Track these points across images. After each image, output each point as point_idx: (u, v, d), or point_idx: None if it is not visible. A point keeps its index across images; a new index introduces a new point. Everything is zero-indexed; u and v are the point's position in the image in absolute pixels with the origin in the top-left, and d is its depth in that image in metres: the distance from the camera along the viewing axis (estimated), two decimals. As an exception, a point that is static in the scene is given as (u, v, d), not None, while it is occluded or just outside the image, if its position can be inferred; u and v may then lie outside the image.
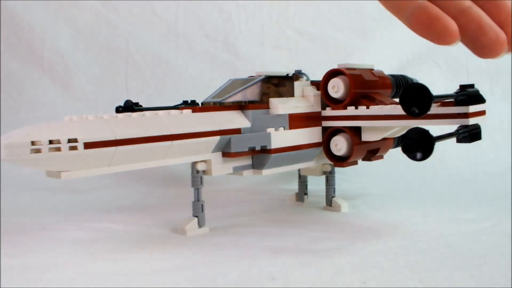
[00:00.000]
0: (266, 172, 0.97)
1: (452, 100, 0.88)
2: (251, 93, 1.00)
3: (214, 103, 0.98)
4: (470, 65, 1.77)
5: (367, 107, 0.97)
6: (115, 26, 1.85)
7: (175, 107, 1.10)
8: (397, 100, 1.02)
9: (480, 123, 0.95)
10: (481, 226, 0.97)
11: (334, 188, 1.16)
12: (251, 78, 1.06)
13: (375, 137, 0.98)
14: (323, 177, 1.18)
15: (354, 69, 1.02)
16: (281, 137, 0.96)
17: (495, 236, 0.90)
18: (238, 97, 0.98)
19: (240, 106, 0.97)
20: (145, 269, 0.77)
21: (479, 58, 0.50)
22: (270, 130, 0.96)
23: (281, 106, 0.97)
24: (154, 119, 0.84)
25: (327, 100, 1.02)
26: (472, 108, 0.86)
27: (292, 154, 0.99)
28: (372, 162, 1.06)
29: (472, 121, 0.86)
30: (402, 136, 0.99)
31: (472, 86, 0.90)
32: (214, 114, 0.93)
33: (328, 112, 1.03)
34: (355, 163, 1.03)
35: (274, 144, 0.95)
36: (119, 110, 1.09)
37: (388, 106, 0.94)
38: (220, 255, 0.83)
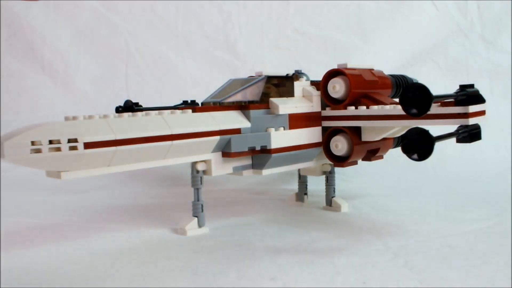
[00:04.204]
0: (266, 172, 0.97)
1: (452, 100, 0.88)
2: (251, 93, 1.00)
3: (214, 103, 0.98)
4: (470, 65, 1.77)
5: (367, 107, 0.97)
6: (115, 26, 1.85)
7: (175, 107, 1.10)
8: (397, 100, 1.02)
9: (480, 123, 0.95)
10: (481, 226, 0.97)
11: (334, 188, 1.16)
12: (251, 78, 1.06)
13: (375, 137, 0.98)
14: (323, 177, 1.18)
15: (354, 69, 1.02)
16: (281, 137, 0.96)
17: (495, 236, 0.90)
18: (238, 97, 0.98)
19: (240, 106, 0.97)
20: (145, 269, 0.77)
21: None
22: (270, 130, 0.96)
23: (281, 106, 0.97)
24: (154, 119, 0.84)
25: (327, 100, 1.03)
26: (472, 108, 0.86)
27: (292, 154, 0.99)
28: (372, 162, 1.06)
29: (472, 121, 0.86)
30: (402, 136, 0.99)
31: (472, 86, 0.90)
32: (214, 114, 0.93)
33: (328, 112, 1.03)
34: (355, 163, 1.03)
35: (274, 144, 0.95)
36: (119, 110, 1.09)
37: (388, 106, 0.94)
38: (220, 255, 0.83)
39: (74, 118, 0.76)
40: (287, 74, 1.07)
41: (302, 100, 1.03)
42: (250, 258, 0.81)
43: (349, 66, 1.02)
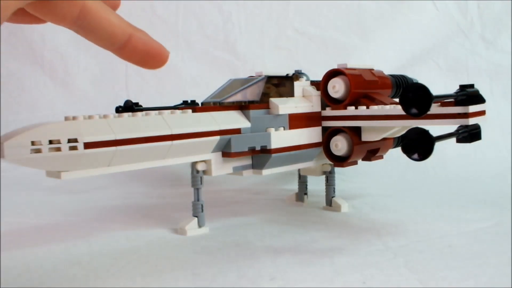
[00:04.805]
0: (266, 172, 0.97)
1: (452, 100, 0.88)
2: (251, 93, 1.00)
3: (214, 103, 0.98)
4: (470, 65, 1.77)
5: (367, 107, 0.97)
6: (115, 26, 1.85)
7: (175, 107, 1.10)
8: (397, 100, 1.02)
9: (480, 123, 0.95)
10: (481, 226, 0.97)
11: (334, 188, 1.16)
12: (251, 78, 1.06)
13: (375, 137, 0.98)
14: (323, 177, 1.18)
15: (354, 69, 1.02)
16: (281, 137, 0.96)
17: (495, 236, 0.90)
18: (238, 97, 0.98)
19: (240, 106, 0.97)
20: (145, 269, 0.77)
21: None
22: (270, 130, 0.96)
23: (281, 106, 0.97)
24: (154, 119, 0.84)
25: (327, 100, 1.03)
26: (472, 108, 0.86)
27: (292, 154, 0.99)
28: (372, 162, 1.06)
29: (472, 121, 0.86)
30: (402, 136, 0.99)
31: (472, 86, 0.90)
32: (214, 114, 0.93)
33: (328, 112, 1.03)
34: (355, 163, 1.03)
35: (274, 144, 0.95)
36: (119, 110, 1.09)
37: (388, 106, 0.94)
38: (220, 255, 0.83)
39: (74, 118, 0.76)
40: (287, 74, 1.07)
41: (302, 100, 1.03)
42: (250, 258, 0.81)
43: (349, 66, 1.02)
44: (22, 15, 0.53)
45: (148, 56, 0.55)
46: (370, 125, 0.96)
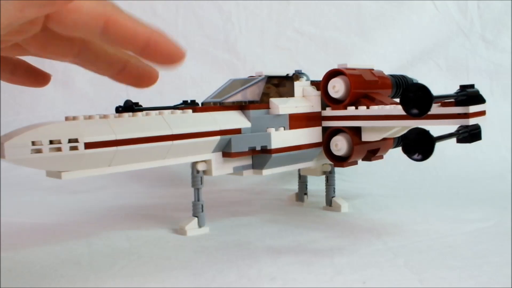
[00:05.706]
0: (266, 172, 0.97)
1: (452, 100, 0.88)
2: (251, 93, 1.00)
3: (214, 103, 0.98)
4: (470, 65, 1.77)
5: (367, 107, 0.97)
6: (115, 26, 1.85)
7: (175, 107, 1.10)
8: (397, 100, 1.02)
9: (480, 123, 0.95)
10: (482, 226, 0.97)
11: (334, 188, 1.16)
12: (251, 78, 1.06)
13: (375, 137, 0.98)
14: (323, 177, 1.18)
15: (354, 69, 1.02)
16: (281, 137, 0.96)
17: (495, 236, 0.90)
18: (238, 97, 0.98)
19: (240, 106, 0.97)
20: (145, 269, 0.77)
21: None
22: (270, 130, 0.96)
23: (281, 106, 0.98)
24: (154, 119, 0.84)
25: (327, 100, 1.03)
26: (472, 108, 0.86)
27: (292, 154, 0.99)
28: (372, 162, 1.06)
29: (472, 121, 0.86)
30: (402, 136, 0.99)
31: (472, 86, 0.90)
32: (214, 114, 0.93)
33: (328, 112, 1.03)
34: (355, 163, 1.03)
35: (274, 144, 0.95)
36: (119, 110, 1.09)
37: (388, 106, 0.94)
38: (220, 255, 0.83)
39: (74, 118, 0.76)
40: (287, 74, 1.07)
41: (302, 100, 1.03)
42: (250, 258, 0.81)
43: (349, 66, 1.02)
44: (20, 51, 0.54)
45: (140, 78, 0.59)
46: (370, 125, 0.96)
